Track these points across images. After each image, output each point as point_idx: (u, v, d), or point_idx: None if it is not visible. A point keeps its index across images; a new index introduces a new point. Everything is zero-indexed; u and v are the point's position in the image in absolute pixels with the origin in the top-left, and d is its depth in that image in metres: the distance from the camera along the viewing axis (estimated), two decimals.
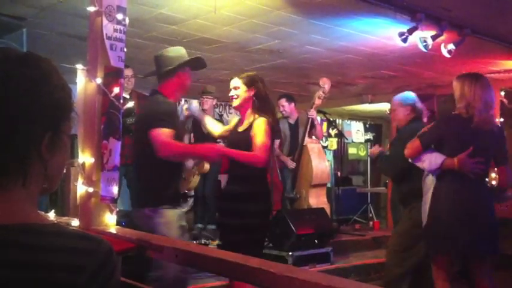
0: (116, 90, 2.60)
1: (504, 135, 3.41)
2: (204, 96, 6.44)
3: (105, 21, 2.62)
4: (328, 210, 6.39)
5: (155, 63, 3.45)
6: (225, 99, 9.81)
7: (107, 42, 2.63)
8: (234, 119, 3.96)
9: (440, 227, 3.36)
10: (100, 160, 2.55)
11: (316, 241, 5.60)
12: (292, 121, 6.63)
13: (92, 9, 2.65)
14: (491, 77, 6.91)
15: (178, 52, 3.43)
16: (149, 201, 3.19)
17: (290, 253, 5.30)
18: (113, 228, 2.53)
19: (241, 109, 3.59)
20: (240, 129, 3.55)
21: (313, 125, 6.41)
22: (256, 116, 3.45)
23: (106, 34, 2.62)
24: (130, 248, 2.22)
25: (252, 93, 3.48)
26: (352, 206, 8.64)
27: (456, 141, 3.38)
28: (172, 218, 3.15)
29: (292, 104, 6.67)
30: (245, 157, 3.35)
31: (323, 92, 6.16)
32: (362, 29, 5.23)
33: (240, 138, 3.47)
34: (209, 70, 7.06)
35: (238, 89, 3.50)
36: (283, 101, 6.62)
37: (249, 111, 3.52)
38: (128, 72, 5.51)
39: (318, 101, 6.19)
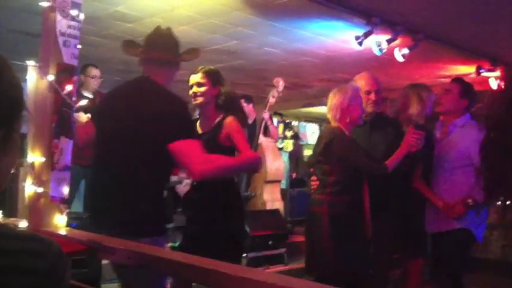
0: (69, 87, 2.53)
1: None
2: None
3: (58, 17, 2.55)
4: (282, 208, 6.45)
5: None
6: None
7: (60, 39, 2.55)
8: None
9: None
10: (50, 160, 2.48)
11: (270, 242, 5.61)
12: (250, 121, 6.66)
13: (45, 4, 2.57)
14: (442, 81, 7.11)
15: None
16: None
17: (244, 254, 5.30)
18: (63, 230, 2.46)
19: (204, 108, 3.32)
20: (201, 131, 3.31)
21: (266, 125, 6.46)
22: (224, 115, 3.20)
23: (59, 30, 2.55)
24: (81, 249, 2.16)
25: (216, 91, 3.23)
26: (306, 208, 8.68)
27: None
28: None
29: (251, 105, 6.71)
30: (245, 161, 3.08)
31: (277, 91, 6.20)
32: (319, 32, 5.29)
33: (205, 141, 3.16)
34: None
35: (203, 86, 3.23)
36: (242, 102, 6.63)
37: (213, 110, 3.25)
38: (96, 72, 5.44)
39: (272, 100, 6.23)
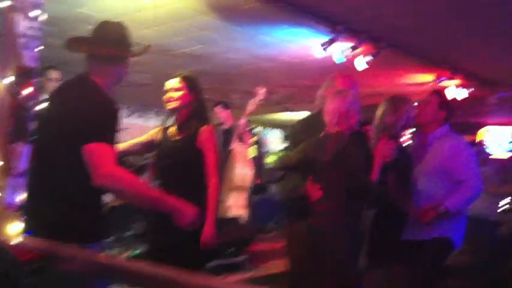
0: (27, 91, 2.47)
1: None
2: None
3: (19, 18, 2.49)
4: (246, 216, 6.43)
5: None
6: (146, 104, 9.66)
7: (20, 40, 2.49)
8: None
9: None
10: (6, 165, 2.41)
11: (231, 250, 5.59)
12: (226, 127, 6.68)
13: (4, 4, 2.51)
14: (403, 90, 7.24)
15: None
16: None
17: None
18: (18, 238, 2.40)
19: (178, 114, 3.25)
20: (177, 137, 3.23)
21: (241, 132, 6.46)
22: (199, 123, 3.16)
23: (19, 31, 2.49)
24: (37, 258, 2.10)
25: (192, 97, 3.22)
26: (268, 214, 8.69)
27: None
28: None
29: (228, 111, 6.72)
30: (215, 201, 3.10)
31: (258, 100, 6.20)
32: (284, 38, 5.32)
33: (179, 148, 3.17)
34: (129, 73, 6.93)
35: (180, 91, 3.21)
36: (220, 108, 6.66)
37: (187, 117, 3.21)
38: (56, 74, 5.33)
39: (251, 107, 6.22)
